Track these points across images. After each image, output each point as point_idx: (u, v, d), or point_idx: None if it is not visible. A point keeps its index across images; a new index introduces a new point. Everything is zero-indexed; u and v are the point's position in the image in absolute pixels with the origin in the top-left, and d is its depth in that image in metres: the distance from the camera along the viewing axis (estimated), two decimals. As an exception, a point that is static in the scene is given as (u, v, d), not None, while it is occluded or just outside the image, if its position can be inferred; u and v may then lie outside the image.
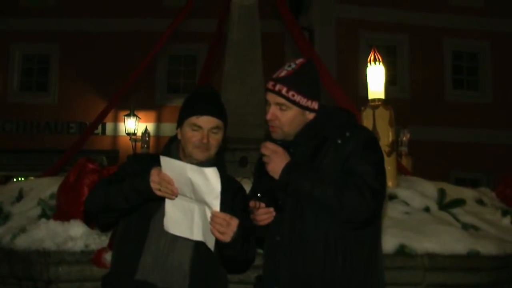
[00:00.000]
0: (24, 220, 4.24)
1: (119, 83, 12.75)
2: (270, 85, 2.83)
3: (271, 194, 2.78)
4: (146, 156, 3.33)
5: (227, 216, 2.74)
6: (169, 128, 15.60)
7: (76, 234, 3.89)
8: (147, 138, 7.98)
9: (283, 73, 2.83)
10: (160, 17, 15.82)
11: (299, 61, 2.88)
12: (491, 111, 16.08)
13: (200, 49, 16.23)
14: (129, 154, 6.80)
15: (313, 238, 2.71)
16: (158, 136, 14.98)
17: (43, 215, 4.26)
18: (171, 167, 2.74)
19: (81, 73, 16.07)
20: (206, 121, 2.97)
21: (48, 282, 3.78)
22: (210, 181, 2.69)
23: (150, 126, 14.35)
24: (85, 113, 15.77)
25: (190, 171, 2.70)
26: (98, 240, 3.84)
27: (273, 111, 2.82)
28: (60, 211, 4.12)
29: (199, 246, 2.86)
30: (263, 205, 2.77)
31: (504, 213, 5.00)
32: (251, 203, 2.82)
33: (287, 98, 2.78)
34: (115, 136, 16.06)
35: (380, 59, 4.85)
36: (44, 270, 3.78)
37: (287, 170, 2.71)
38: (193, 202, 2.77)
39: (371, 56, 4.91)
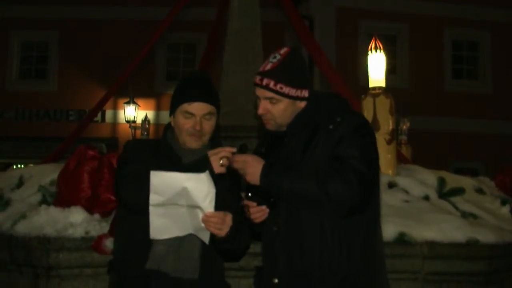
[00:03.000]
0: (24, 206, 4.25)
1: (119, 71, 12.76)
2: (257, 79, 2.82)
3: (263, 192, 2.76)
4: (148, 142, 3.30)
5: (221, 214, 2.76)
6: (168, 116, 15.57)
7: (76, 221, 3.89)
8: (147, 126, 7.97)
9: (268, 66, 2.80)
10: (160, 5, 15.79)
11: (283, 51, 2.84)
12: (491, 101, 16.07)
13: (200, 37, 16.20)
14: (129, 140, 6.78)
15: (308, 228, 2.71)
16: (157, 123, 14.96)
17: (43, 201, 4.26)
18: (162, 180, 2.70)
19: (80, 61, 16.02)
20: (198, 108, 2.95)
21: (48, 268, 3.79)
22: (205, 185, 2.70)
23: (150, 114, 14.29)
24: (84, 101, 15.74)
25: (186, 180, 2.69)
26: (98, 227, 3.84)
27: (263, 106, 2.82)
28: (60, 197, 4.12)
29: None
30: (254, 204, 2.78)
31: (503, 202, 5.00)
32: (243, 203, 2.83)
33: (276, 92, 2.77)
34: (115, 123, 16.05)
35: (381, 47, 4.85)
36: (44, 256, 3.79)
37: (264, 173, 2.69)
38: (183, 207, 2.75)
39: (372, 44, 4.91)
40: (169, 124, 3.12)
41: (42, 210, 4.03)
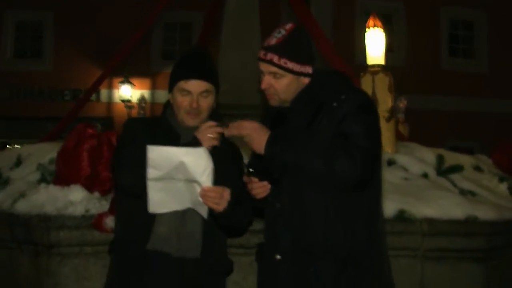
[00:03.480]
0: (23, 185, 4.24)
1: (114, 50, 12.67)
2: (261, 54, 2.81)
3: (264, 168, 2.76)
4: (147, 119, 3.28)
5: (219, 189, 2.75)
6: (164, 95, 15.43)
7: (76, 199, 3.88)
8: (143, 105, 7.96)
9: (273, 41, 2.79)
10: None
11: (288, 26, 2.84)
12: (487, 80, 16.09)
13: (196, 16, 16.11)
14: (129, 118, 6.73)
15: (312, 204, 2.72)
16: (153, 103, 14.93)
17: (43, 180, 4.25)
18: (159, 155, 2.70)
19: (76, 40, 15.95)
20: (195, 85, 2.93)
21: (49, 246, 3.79)
22: (203, 160, 2.70)
23: (145, 93, 14.34)
24: (79, 80, 15.69)
25: (183, 155, 2.69)
26: (99, 205, 3.84)
27: (267, 80, 2.81)
28: (60, 176, 4.11)
29: None
30: (256, 179, 2.78)
31: (501, 180, 5.02)
32: (245, 178, 2.83)
33: (280, 66, 2.77)
34: (110, 103, 16.03)
35: (380, 25, 4.83)
36: (45, 234, 3.79)
37: (270, 143, 2.69)
38: (181, 181, 2.76)
39: (370, 22, 4.89)
40: (169, 101, 3.10)
41: (41, 189, 4.02)
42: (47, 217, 3.78)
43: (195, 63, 3.00)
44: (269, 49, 2.79)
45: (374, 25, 4.82)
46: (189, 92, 2.93)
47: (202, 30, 7.54)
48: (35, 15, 16.53)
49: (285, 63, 2.76)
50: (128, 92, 15.08)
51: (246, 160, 3.08)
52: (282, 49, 2.76)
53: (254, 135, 2.71)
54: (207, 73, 2.98)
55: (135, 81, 15.24)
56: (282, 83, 2.79)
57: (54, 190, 3.98)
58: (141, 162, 2.72)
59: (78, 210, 3.79)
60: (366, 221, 2.77)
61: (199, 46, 3.37)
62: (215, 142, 2.81)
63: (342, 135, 2.68)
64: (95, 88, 7.64)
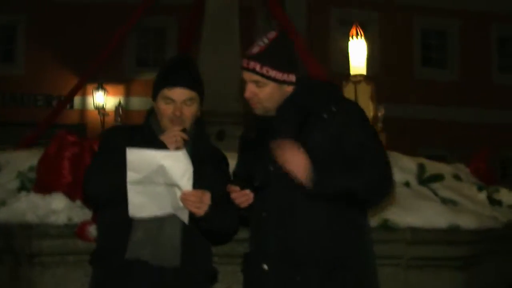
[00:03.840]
0: (3, 192, 4.13)
1: (88, 55, 12.52)
2: (244, 63, 2.82)
3: (246, 176, 2.76)
4: (128, 128, 3.27)
5: (199, 192, 2.73)
6: (138, 102, 15.43)
7: (58, 207, 3.81)
8: (120, 112, 7.90)
9: (255, 49, 2.81)
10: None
11: (270, 35, 2.85)
12: (458, 89, 16.30)
13: (170, 22, 16.09)
14: (110, 127, 6.68)
15: (299, 213, 2.72)
16: (127, 110, 14.81)
17: (23, 188, 4.16)
18: (138, 157, 2.69)
19: (49, 44, 15.75)
20: (179, 93, 2.91)
21: (30, 255, 3.72)
22: (183, 163, 2.69)
23: (119, 100, 14.19)
24: (52, 86, 15.53)
25: (162, 158, 2.68)
26: (81, 213, 3.78)
27: (250, 89, 2.82)
28: (41, 184, 4.04)
29: None
30: (237, 188, 2.75)
31: (480, 189, 5.07)
32: (227, 187, 2.80)
33: (262, 75, 2.77)
34: (83, 109, 15.85)
35: (362, 34, 4.86)
36: (26, 243, 3.72)
37: (315, 177, 2.64)
38: (161, 185, 2.74)
39: (353, 31, 4.92)
40: (152, 109, 3.07)
41: (22, 197, 3.95)
42: (29, 226, 3.71)
43: (179, 70, 2.98)
44: (252, 57, 2.79)
45: (357, 34, 4.85)
46: (172, 100, 2.92)
47: (182, 36, 7.48)
48: (7, 19, 16.28)
49: (267, 71, 2.77)
50: (102, 99, 14.96)
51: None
52: (264, 58, 2.77)
53: (294, 161, 2.67)
54: (191, 81, 2.96)
55: (108, 87, 15.13)
56: (265, 91, 2.80)
57: (35, 198, 3.90)
58: (116, 166, 2.72)
59: (61, 219, 3.73)
60: (354, 230, 2.78)
61: (183, 54, 3.37)
62: (179, 145, 2.80)
63: (355, 155, 2.69)
64: (73, 95, 7.56)
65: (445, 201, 4.50)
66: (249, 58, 2.80)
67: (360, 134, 2.72)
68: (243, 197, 2.76)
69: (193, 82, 2.97)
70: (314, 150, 2.69)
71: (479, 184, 5.20)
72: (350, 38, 4.88)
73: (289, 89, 2.84)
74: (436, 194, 4.60)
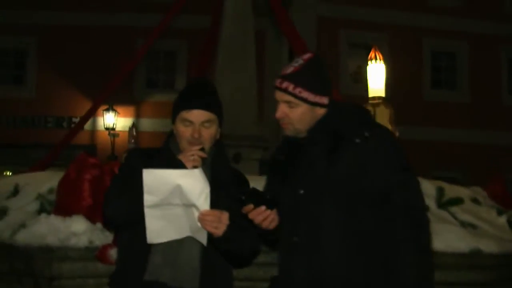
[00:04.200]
0: (22, 215, 4.14)
1: (98, 77, 12.60)
2: (277, 82, 2.80)
3: (258, 193, 2.73)
4: (146, 150, 3.27)
5: (217, 212, 2.71)
6: (148, 124, 15.50)
7: (78, 230, 3.81)
8: (134, 133, 7.90)
9: (289, 70, 2.79)
10: (140, 11, 15.75)
11: (306, 56, 2.83)
12: (469, 111, 16.28)
13: (180, 45, 16.19)
14: (130, 149, 6.68)
15: (332, 240, 2.67)
16: (137, 131, 14.86)
17: (42, 210, 4.17)
18: (155, 179, 2.68)
19: (59, 67, 15.89)
20: (197, 115, 2.91)
21: (51, 278, 3.71)
22: (199, 181, 2.67)
23: (129, 121, 14.23)
24: (63, 108, 15.62)
25: (179, 177, 2.67)
26: (102, 236, 3.77)
27: (282, 109, 2.80)
28: (61, 206, 4.04)
29: None
30: (251, 207, 2.71)
31: (500, 213, 5.03)
32: (243, 209, 2.77)
33: (294, 95, 2.75)
34: (93, 130, 15.88)
35: (381, 57, 4.86)
36: (46, 266, 3.71)
37: None
38: (179, 207, 2.72)
39: (372, 54, 4.92)
40: (172, 131, 3.08)
41: (42, 219, 3.94)
42: (50, 249, 3.71)
43: (197, 93, 2.99)
44: (285, 77, 2.78)
45: (376, 58, 4.85)
46: (191, 122, 2.92)
47: (198, 60, 7.51)
48: (18, 41, 16.42)
49: (300, 92, 2.74)
50: (112, 120, 15.00)
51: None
52: (297, 78, 2.75)
53: None
54: (209, 103, 2.96)
55: (119, 109, 15.19)
56: (296, 112, 2.77)
57: (55, 221, 3.90)
58: (134, 189, 2.71)
59: (82, 242, 3.72)
60: (384, 258, 2.72)
61: (202, 77, 3.40)
62: (197, 164, 2.78)
63: (388, 198, 2.66)
64: (88, 117, 7.59)
65: (464, 224, 4.46)
66: (282, 78, 2.78)
67: (391, 169, 2.68)
68: (259, 215, 2.70)
69: (211, 104, 2.97)
70: (344, 177, 2.66)
71: (498, 208, 5.15)
72: (369, 61, 4.88)
73: (321, 111, 2.81)
74: (455, 217, 4.56)
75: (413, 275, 2.58)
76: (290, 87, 2.75)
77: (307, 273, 2.71)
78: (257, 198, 2.71)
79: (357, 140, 2.70)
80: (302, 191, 2.73)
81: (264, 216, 2.71)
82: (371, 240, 2.67)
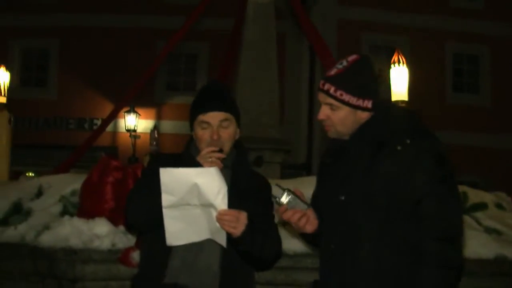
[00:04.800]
0: (46, 217, 4.17)
1: (119, 79, 12.64)
2: (320, 84, 2.76)
3: (292, 193, 2.69)
4: (169, 156, 3.27)
5: (235, 212, 2.70)
6: (168, 126, 15.55)
7: (101, 232, 3.83)
8: (156, 135, 7.93)
9: (333, 72, 2.75)
10: (160, 14, 15.82)
11: (351, 58, 2.76)
12: (491, 115, 16.14)
13: (201, 47, 16.23)
14: (152, 153, 6.73)
15: (365, 251, 2.62)
16: (158, 133, 14.93)
17: (65, 212, 4.20)
18: (172, 178, 2.68)
19: (80, 69, 16.01)
20: (213, 116, 2.92)
21: (74, 280, 3.73)
22: (216, 180, 2.67)
23: (150, 123, 14.32)
24: (84, 109, 15.74)
25: (196, 175, 2.66)
26: (125, 239, 3.80)
27: (323, 111, 2.76)
28: (84, 209, 4.06)
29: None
30: (285, 206, 2.67)
31: (524, 218, 4.96)
32: (277, 213, 2.76)
33: (335, 98, 2.70)
34: (115, 132, 15.98)
35: (404, 61, 4.83)
36: (70, 268, 3.73)
37: None
38: (197, 208, 2.72)
39: (395, 58, 4.89)
40: (192, 137, 3.08)
41: (66, 221, 3.97)
42: (73, 251, 3.74)
43: (210, 95, 3.01)
44: (328, 79, 2.73)
45: (399, 61, 4.82)
46: (208, 124, 2.93)
47: (222, 64, 7.51)
48: (41, 44, 16.57)
49: (341, 95, 2.69)
50: (133, 122, 15.08)
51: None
52: (340, 81, 2.70)
53: None
54: (223, 103, 2.98)
55: (140, 110, 15.26)
56: (338, 115, 2.72)
57: (78, 223, 3.92)
58: (153, 192, 2.72)
59: (105, 244, 3.75)
60: (413, 269, 2.67)
61: (215, 80, 3.43)
62: (216, 165, 2.77)
63: (419, 213, 2.61)
64: (111, 119, 7.63)
65: (488, 230, 4.41)
66: (325, 80, 2.74)
67: (427, 179, 2.61)
68: (294, 215, 2.68)
69: (226, 104, 2.98)
70: (383, 184, 2.61)
71: (523, 214, 5.09)
72: (392, 64, 4.84)
73: (364, 115, 2.74)
74: (479, 223, 4.51)
75: None
76: (332, 90, 2.70)
77: (340, 282, 2.68)
78: (290, 199, 2.68)
79: (399, 147, 2.64)
80: (343, 197, 2.69)
81: (298, 216, 2.69)
82: (404, 251, 2.62)
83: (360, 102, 2.72)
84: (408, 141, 2.65)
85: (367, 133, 2.73)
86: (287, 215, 2.68)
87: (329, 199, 2.73)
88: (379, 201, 2.61)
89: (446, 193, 2.63)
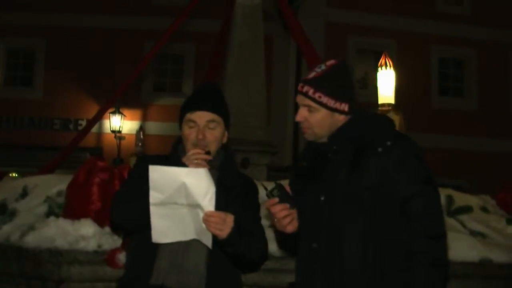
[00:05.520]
0: (31, 217, 4.14)
1: (105, 80, 12.56)
2: (299, 87, 2.81)
3: (284, 189, 2.71)
4: (155, 157, 3.27)
5: (222, 214, 2.70)
6: (154, 127, 15.49)
7: (87, 233, 3.81)
8: (141, 137, 7.90)
9: (312, 74, 2.80)
10: (148, 15, 15.78)
11: (329, 62, 2.83)
12: (476, 119, 16.24)
13: (187, 48, 16.19)
14: (138, 155, 6.71)
15: (351, 250, 2.65)
16: (144, 134, 14.86)
17: (51, 213, 4.17)
18: (161, 175, 2.68)
19: (67, 69, 15.92)
20: (200, 116, 2.93)
21: (59, 281, 3.70)
22: (204, 181, 2.67)
23: (135, 125, 14.25)
24: (70, 110, 15.64)
25: (184, 175, 2.67)
26: (111, 240, 3.78)
27: (301, 113, 2.80)
28: (70, 209, 4.04)
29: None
30: (276, 200, 2.69)
31: (508, 221, 4.99)
32: (266, 203, 2.75)
33: (314, 100, 2.75)
34: (100, 133, 15.87)
35: (391, 64, 4.85)
36: (55, 269, 3.70)
37: None
38: (184, 207, 2.72)
39: (382, 61, 4.91)
40: (180, 138, 3.09)
41: (51, 222, 3.94)
42: (59, 252, 3.71)
43: (201, 95, 3.03)
44: (307, 82, 2.79)
45: (386, 64, 4.84)
46: (195, 123, 2.94)
47: (210, 65, 7.50)
48: (27, 43, 16.47)
49: (320, 97, 2.74)
50: (119, 123, 15.01)
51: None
52: (318, 83, 2.76)
53: None
54: (213, 104, 2.99)
55: (125, 112, 15.19)
56: (315, 117, 2.77)
57: (64, 224, 3.90)
58: (141, 192, 2.72)
59: (91, 245, 3.73)
60: (400, 267, 2.67)
61: (208, 81, 3.45)
62: (201, 167, 2.78)
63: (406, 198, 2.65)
64: (97, 120, 7.59)
65: (473, 233, 4.44)
66: (304, 82, 2.80)
67: (412, 179, 2.66)
68: (282, 210, 2.69)
69: (215, 105, 2.99)
70: (366, 185, 2.65)
71: (508, 217, 5.12)
72: (379, 67, 4.86)
73: (342, 118, 2.80)
74: (464, 226, 4.54)
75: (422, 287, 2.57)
76: (310, 92, 2.75)
77: (325, 281, 2.69)
78: (283, 194, 2.70)
79: (380, 149, 2.69)
80: (322, 198, 2.72)
81: (285, 213, 2.70)
82: (390, 250, 2.65)
83: (337, 105, 2.77)
84: (389, 143, 2.70)
85: (345, 136, 2.77)
86: (275, 209, 2.69)
87: (309, 201, 2.75)
88: (363, 201, 2.65)
89: (432, 193, 2.69)
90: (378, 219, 2.64)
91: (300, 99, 2.80)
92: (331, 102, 2.75)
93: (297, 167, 2.98)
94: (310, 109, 2.78)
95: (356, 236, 2.65)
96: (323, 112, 2.77)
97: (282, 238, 2.89)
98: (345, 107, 2.78)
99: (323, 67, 2.80)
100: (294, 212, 2.73)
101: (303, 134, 2.87)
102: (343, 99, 2.78)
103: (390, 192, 2.64)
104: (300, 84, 2.81)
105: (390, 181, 2.64)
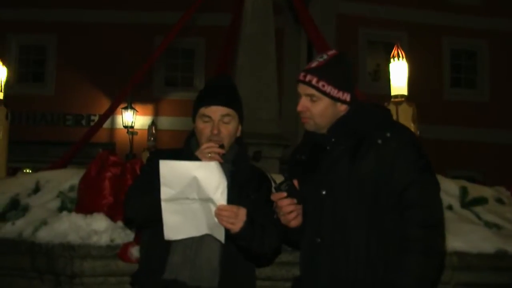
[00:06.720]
0: (44, 212, 4.14)
1: (116, 75, 12.57)
2: (301, 76, 2.79)
3: (293, 184, 2.69)
4: (168, 152, 3.26)
5: (234, 207, 2.68)
6: (166, 122, 15.52)
7: (100, 228, 3.80)
8: (153, 131, 7.91)
9: (314, 64, 2.78)
10: (159, 10, 15.78)
11: (331, 52, 2.82)
12: (488, 110, 16.15)
13: (198, 43, 16.20)
14: (151, 149, 6.70)
15: (355, 241, 2.64)
16: (156, 129, 14.89)
17: (63, 207, 4.17)
18: (171, 170, 2.66)
19: (78, 65, 15.97)
20: (215, 110, 2.90)
21: (72, 276, 3.70)
22: (216, 175, 2.64)
23: (148, 120, 14.27)
24: (81, 105, 15.69)
25: (195, 169, 2.64)
26: (123, 234, 3.76)
27: (303, 103, 2.78)
28: (82, 204, 4.04)
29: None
30: (284, 194, 2.67)
31: (524, 213, 4.95)
32: (273, 196, 2.74)
33: (317, 89, 2.73)
34: (112, 128, 15.92)
35: (403, 55, 4.81)
36: (68, 264, 3.69)
37: None
38: (195, 202, 2.70)
39: (394, 52, 4.88)
40: (193, 131, 3.06)
41: (64, 217, 3.94)
42: (71, 246, 3.70)
43: (215, 89, 2.99)
44: (309, 71, 2.76)
45: (399, 55, 4.80)
46: (210, 118, 2.91)
47: (220, 58, 7.48)
48: (38, 39, 16.52)
49: (323, 86, 2.72)
50: (131, 118, 15.04)
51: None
52: (321, 72, 2.74)
53: None
54: (227, 98, 2.95)
55: (137, 107, 15.23)
56: (318, 106, 2.75)
57: (76, 219, 3.89)
58: (153, 187, 2.70)
59: (103, 240, 3.72)
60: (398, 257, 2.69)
61: (222, 75, 3.42)
62: (215, 160, 2.75)
63: (402, 202, 2.64)
64: (109, 115, 7.60)
65: (488, 225, 4.40)
66: (306, 71, 2.77)
67: (410, 169, 2.65)
68: (290, 205, 2.68)
69: (230, 100, 2.96)
70: (366, 177, 2.64)
71: (523, 208, 5.08)
72: (391, 59, 4.82)
73: (343, 108, 2.78)
74: (479, 217, 4.50)
75: (414, 276, 2.55)
76: (314, 80, 2.73)
77: (331, 274, 2.68)
78: (292, 188, 2.69)
79: (379, 141, 2.67)
80: (324, 192, 2.71)
81: (292, 208, 2.69)
82: (393, 240, 2.63)
83: (340, 95, 2.76)
84: (388, 135, 2.69)
85: (345, 127, 2.76)
86: (283, 202, 2.68)
87: (310, 195, 2.73)
88: (365, 193, 2.64)
89: (427, 181, 2.68)
90: (379, 210, 2.64)
91: (303, 88, 2.78)
92: (334, 92, 2.74)
93: (295, 160, 2.94)
94: (313, 99, 2.75)
95: (359, 228, 2.64)
96: (326, 101, 2.75)
97: (285, 233, 2.86)
98: (347, 96, 2.77)
99: (325, 56, 2.79)
100: (299, 208, 2.71)
101: (304, 125, 2.85)
102: (346, 88, 2.77)
103: (390, 183, 2.63)
104: (302, 74, 2.79)
105: (389, 172, 2.64)
